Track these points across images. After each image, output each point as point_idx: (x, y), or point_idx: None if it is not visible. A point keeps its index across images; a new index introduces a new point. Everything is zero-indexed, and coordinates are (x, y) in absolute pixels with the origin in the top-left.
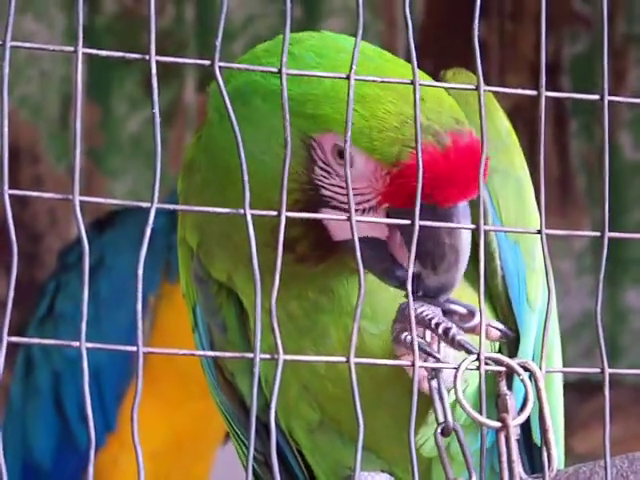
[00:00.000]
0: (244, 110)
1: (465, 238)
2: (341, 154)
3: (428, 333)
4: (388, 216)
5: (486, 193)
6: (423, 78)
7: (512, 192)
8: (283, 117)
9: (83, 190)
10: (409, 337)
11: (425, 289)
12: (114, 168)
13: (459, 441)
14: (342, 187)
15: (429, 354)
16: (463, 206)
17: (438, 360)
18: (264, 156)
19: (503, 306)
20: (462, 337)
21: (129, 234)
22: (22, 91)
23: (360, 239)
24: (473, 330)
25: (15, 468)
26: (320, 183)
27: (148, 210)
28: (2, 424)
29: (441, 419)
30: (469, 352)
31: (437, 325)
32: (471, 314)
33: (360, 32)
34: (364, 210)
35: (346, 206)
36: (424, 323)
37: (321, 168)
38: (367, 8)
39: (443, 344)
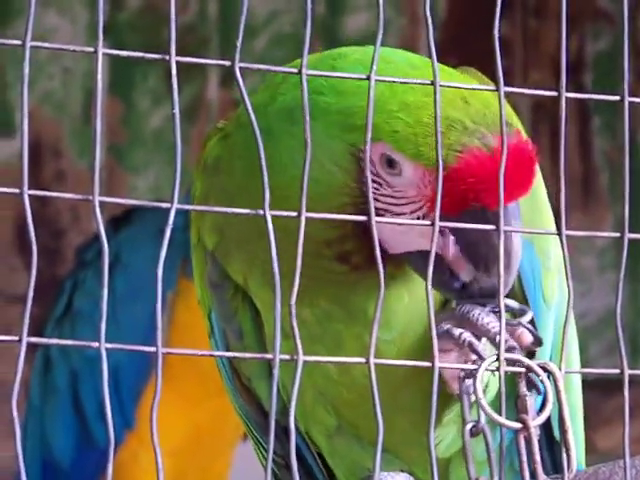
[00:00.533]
0: (293, 128)
1: (517, 241)
2: (390, 163)
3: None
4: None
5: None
6: (466, 80)
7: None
8: (303, 118)
9: (104, 186)
10: (457, 331)
11: (480, 291)
12: (136, 164)
13: (486, 441)
14: (394, 197)
15: (476, 352)
16: (512, 207)
17: (482, 359)
18: (314, 173)
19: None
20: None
21: (145, 231)
22: (44, 87)
23: (416, 252)
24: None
25: (35, 465)
26: (373, 196)
27: (166, 208)
28: (23, 421)
29: (468, 419)
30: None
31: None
32: (522, 312)
33: (381, 28)
34: (417, 218)
35: (401, 217)
36: (487, 334)
37: (372, 180)
38: (389, 4)
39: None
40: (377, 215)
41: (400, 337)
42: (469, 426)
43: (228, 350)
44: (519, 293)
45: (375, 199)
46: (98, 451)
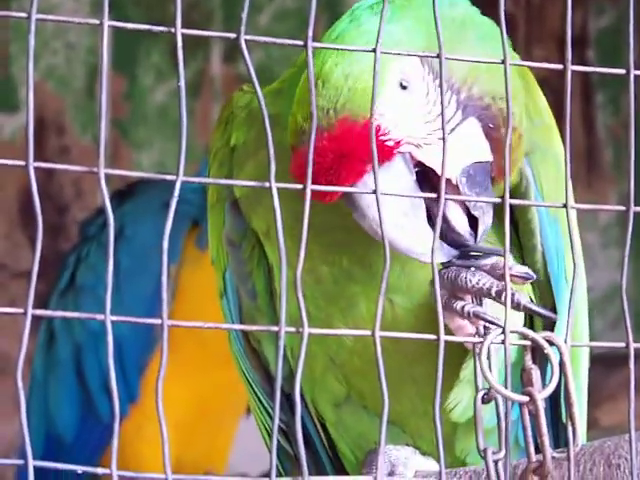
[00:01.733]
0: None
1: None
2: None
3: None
4: None
5: (528, 169)
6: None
7: (552, 168)
8: (309, 91)
9: (109, 161)
10: (460, 304)
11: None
12: (140, 139)
13: (497, 411)
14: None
15: (488, 321)
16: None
17: (497, 327)
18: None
19: (541, 282)
20: (526, 300)
21: (149, 204)
22: (48, 62)
23: None
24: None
25: (38, 439)
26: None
27: (169, 180)
28: (26, 395)
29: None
30: (540, 315)
31: (498, 293)
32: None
33: (387, 3)
34: None
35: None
36: (482, 292)
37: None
38: None
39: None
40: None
41: (419, 304)
42: (480, 394)
43: (240, 309)
44: (542, 270)
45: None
46: (102, 424)
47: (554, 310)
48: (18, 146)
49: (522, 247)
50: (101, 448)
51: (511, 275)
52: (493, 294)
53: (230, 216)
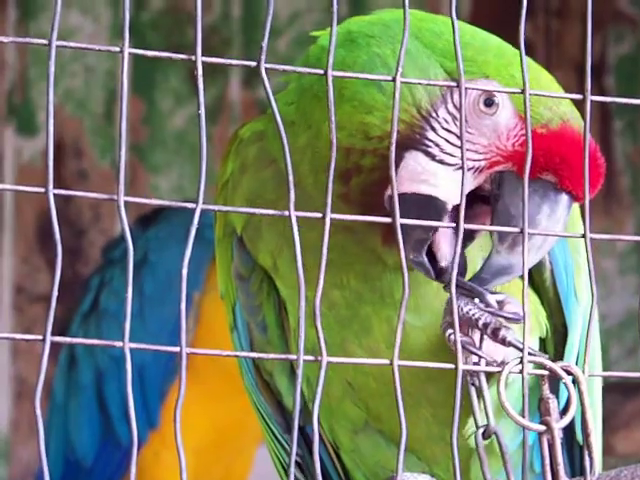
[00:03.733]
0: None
1: (560, 230)
2: (489, 102)
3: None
4: (492, 182)
5: None
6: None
7: None
8: (329, 119)
9: (127, 186)
10: (453, 336)
11: (486, 269)
12: (158, 164)
13: (499, 444)
14: (455, 137)
15: (476, 354)
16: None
17: (484, 360)
18: (375, 86)
19: (551, 300)
20: (512, 337)
21: (173, 230)
22: (67, 86)
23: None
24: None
25: (57, 463)
26: (434, 124)
27: (190, 211)
28: (46, 419)
29: (480, 422)
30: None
31: (485, 325)
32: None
33: (407, 31)
34: (468, 169)
35: (443, 156)
36: (471, 323)
37: (448, 111)
38: (413, 5)
39: (488, 341)
40: (417, 144)
41: (430, 323)
42: (480, 430)
43: (251, 343)
44: (551, 288)
45: (433, 129)
46: (121, 450)
47: (564, 329)
48: (37, 170)
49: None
50: (120, 473)
51: (498, 315)
52: (480, 325)
53: (237, 250)
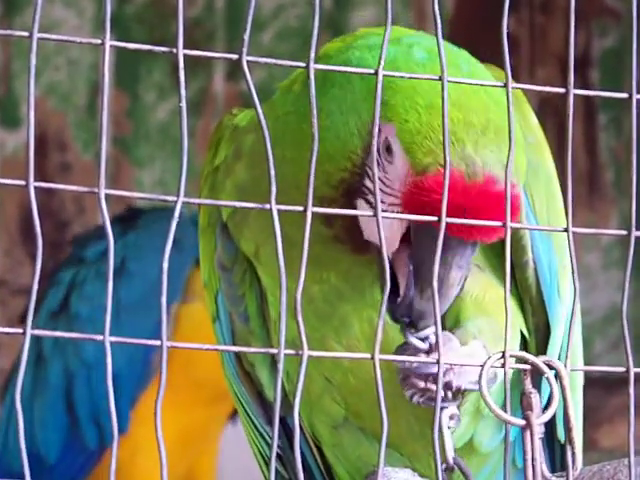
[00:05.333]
0: (345, 81)
1: (455, 276)
2: (388, 149)
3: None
4: (408, 230)
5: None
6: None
7: (543, 186)
8: (310, 113)
9: (110, 179)
10: (417, 398)
11: (413, 312)
12: (142, 157)
13: (463, 474)
14: (384, 183)
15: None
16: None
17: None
18: (340, 128)
19: (533, 299)
20: (466, 386)
21: (153, 239)
22: (50, 79)
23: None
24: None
25: (19, 456)
26: (369, 172)
27: (172, 211)
28: (6, 407)
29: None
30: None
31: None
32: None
33: (390, 24)
34: (392, 212)
35: (382, 204)
36: (422, 377)
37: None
38: (399, 4)
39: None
40: (360, 193)
41: None
42: (442, 466)
43: (233, 333)
44: (534, 287)
45: (368, 176)
46: (86, 452)
47: (547, 327)
48: (20, 162)
49: (513, 264)
50: (83, 474)
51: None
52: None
53: (221, 240)
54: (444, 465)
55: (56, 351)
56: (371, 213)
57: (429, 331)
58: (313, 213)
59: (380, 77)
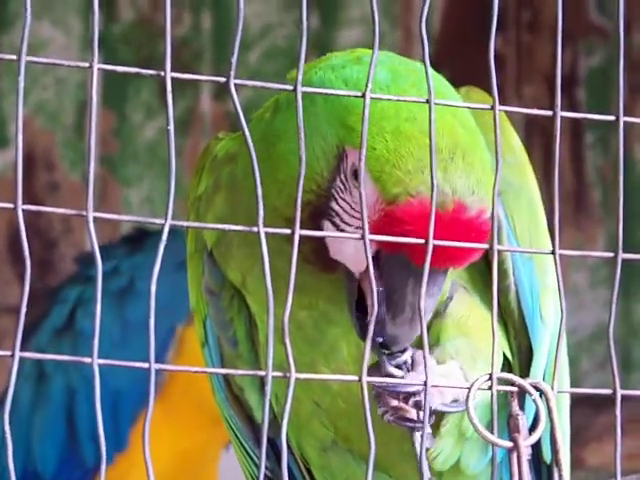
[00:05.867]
0: (308, 103)
1: (429, 303)
2: (355, 174)
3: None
4: (377, 252)
5: (500, 208)
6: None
7: (525, 208)
8: (298, 135)
9: (98, 198)
10: (387, 416)
11: (385, 335)
12: (129, 176)
13: None
14: (350, 206)
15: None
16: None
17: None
18: (306, 152)
19: (515, 322)
20: (437, 407)
21: (163, 262)
22: (38, 98)
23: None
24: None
25: (15, 470)
26: (335, 195)
27: (179, 234)
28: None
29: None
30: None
31: (406, 399)
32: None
33: (377, 43)
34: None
35: (344, 225)
36: (393, 395)
37: (341, 181)
38: (384, 18)
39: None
40: (327, 215)
41: None
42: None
43: (222, 358)
44: (516, 310)
45: (335, 199)
46: (83, 468)
47: (530, 349)
48: (8, 181)
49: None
50: None
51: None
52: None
53: (208, 266)
54: None
55: (59, 367)
56: (338, 247)
57: (406, 356)
58: (290, 236)
59: (367, 100)
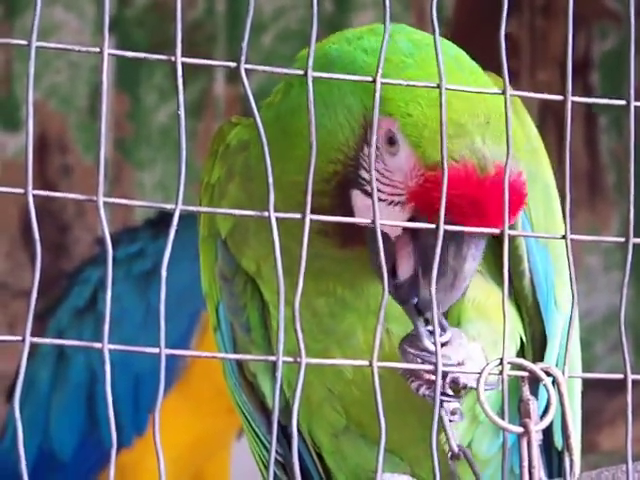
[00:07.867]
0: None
1: (469, 267)
2: (391, 141)
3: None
4: (412, 218)
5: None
6: (497, 84)
7: (540, 194)
8: (309, 120)
9: (111, 182)
10: (423, 390)
11: (419, 299)
12: (143, 159)
13: (468, 462)
14: (382, 174)
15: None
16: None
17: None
18: (329, 120)
19: (529, 308)
20: (472, 384)
21: (186, 247)
22: (51, 81)
23: (372, 229)
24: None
25: (30, 451)
26: (364, 164)
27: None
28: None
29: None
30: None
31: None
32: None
33: (388, 26)
34: (392, 203)
35: (378, 194)
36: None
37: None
38: (397, 1)
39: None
40: (357, 185)
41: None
42: (450, 454)
43: (234, 343)
44: (530, 296)
45: (365, 168)
46: (102, 449)
47: (544, 336)
48: (21, 165)
49: (511, 272)
50: (96, 471)
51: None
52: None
53: (221, 252)
54: (450, 453)
55: (80, 349)
56: (369, 215)
57: (446, 337)
58: (301, 220)
59: (378, 85)
